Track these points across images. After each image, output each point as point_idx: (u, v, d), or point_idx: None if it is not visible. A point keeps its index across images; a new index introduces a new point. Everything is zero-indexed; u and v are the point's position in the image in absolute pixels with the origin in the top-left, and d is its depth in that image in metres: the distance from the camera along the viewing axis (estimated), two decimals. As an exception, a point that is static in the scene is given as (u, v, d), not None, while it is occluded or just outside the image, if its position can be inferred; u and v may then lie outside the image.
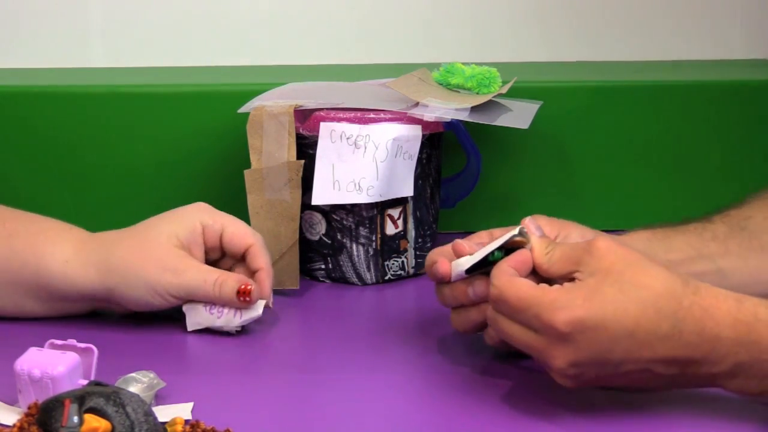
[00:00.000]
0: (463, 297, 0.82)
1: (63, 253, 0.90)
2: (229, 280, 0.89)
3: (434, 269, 0.82)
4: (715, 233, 0.89)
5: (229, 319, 0.90)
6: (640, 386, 0.74)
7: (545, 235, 0.80)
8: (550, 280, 0.76)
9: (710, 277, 0.86)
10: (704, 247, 0.88)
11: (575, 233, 0.84)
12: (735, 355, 0.71)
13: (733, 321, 0.71)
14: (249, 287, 0.89)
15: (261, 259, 0.92)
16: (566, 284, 0.73)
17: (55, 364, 0.74)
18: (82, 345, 0.77)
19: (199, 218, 0.92)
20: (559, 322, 0.71)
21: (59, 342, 0.77)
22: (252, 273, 0.92)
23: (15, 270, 0.90)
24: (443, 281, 0.83)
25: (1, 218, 0.92)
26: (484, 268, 0.79)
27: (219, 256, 0.94)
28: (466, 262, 0.81)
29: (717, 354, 0.71)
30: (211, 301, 0.90)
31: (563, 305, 0.71)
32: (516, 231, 0.78)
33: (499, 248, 0.78)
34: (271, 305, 0.93)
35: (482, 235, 0.84)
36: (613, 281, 0.72)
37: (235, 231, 0.92)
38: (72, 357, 0.75)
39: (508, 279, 0.75)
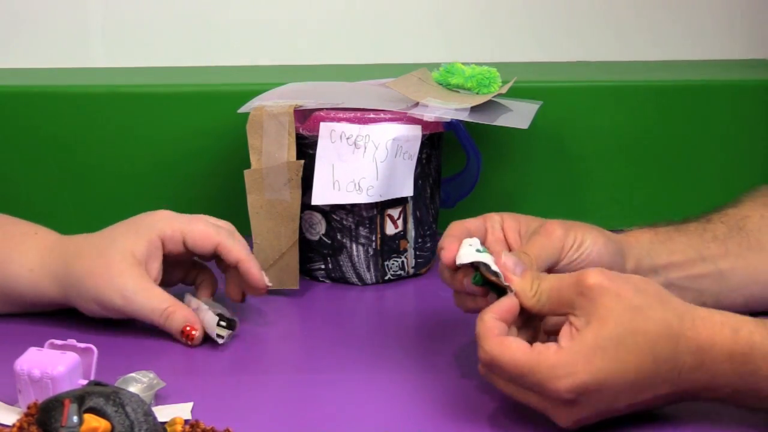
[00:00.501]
0: (459, 286, 0.81)
1: (28, 261, 0.90)
2: (176, 315, 0.88)
3: (441, 255, 0.81)
4: (715, 234, 0.89)
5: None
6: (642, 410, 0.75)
7: (525, 270, 0.77)
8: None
9: (710, 278, 0.87)
10: (705, 249, 0.88)
11: (534, 225, 0.84)
12: (733, 385, 0.71)
13: (729, 354, 0.71)
14: (193, 333, 0.88)
15: (233, 252, 0.91)
16: (563, 344, 0.71)
17: (54, 364, 0.74)
18: (82, 345, 0.77)
19: (158, 230, 0.90)
20: (562, 390, 0.70)
21: (59, 342, 0.77)
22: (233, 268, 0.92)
23: None
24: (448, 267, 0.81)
25: None
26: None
27: (191, 257, 0.94)
28: (464, 257, 0.79)
29: (715, 384, 0.72)
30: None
31: (565, 372, 0.70)
32: (495, 268, 0.76)
33: (482, 274, 0.77)
34: (269, 284, 0.92)
35: (455, 227, 0.83)
36: (610, 333, 0.70)
37: (196, 236, 0.90)
38: (72, 357, 0.75)
39: (498, 342, 0.72)
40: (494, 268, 0.77)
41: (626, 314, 0.71)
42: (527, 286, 0.75)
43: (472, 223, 0.83)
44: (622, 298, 0.71)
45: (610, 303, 0.71)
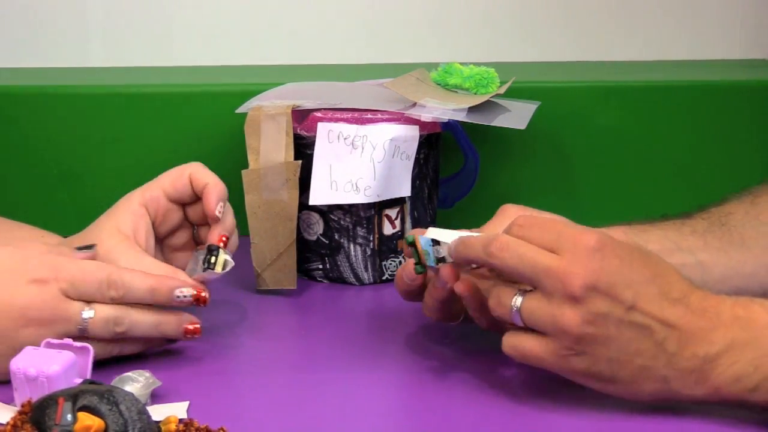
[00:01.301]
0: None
1: None
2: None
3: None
4: (695, 228, 0.89)
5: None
6: (637, 367, 0.73)
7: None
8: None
9: (691, 269, 0.86)
10: (683, 241, 0.88)
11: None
12: (731, 332, 0.72)
13: (732, 302, 0.73)
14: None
15: (204, 177, 0.90)
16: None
17: (50, 362, 0.74)
18: (78, 344, 0.77)
19: (136, 199, 0.90)
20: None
21: (56, 341, 0.77)
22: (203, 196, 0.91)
23: None
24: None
25: None
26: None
27: (180, 213, 0.93)
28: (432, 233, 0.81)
29: (715, 331, 0.72)
30: None
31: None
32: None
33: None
34: (218, 213, 0.90)
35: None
36: (634, 248, 0.74)
37: (172, 177, 0.91)
38: (68, 356, 0.75)
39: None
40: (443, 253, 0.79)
41: (643, 248, 0.75)
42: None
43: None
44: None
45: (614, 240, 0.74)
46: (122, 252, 0.87)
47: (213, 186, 0.90)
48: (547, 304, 0.72)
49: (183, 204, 0.92)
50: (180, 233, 0.94)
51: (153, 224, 0.91)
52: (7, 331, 0.79)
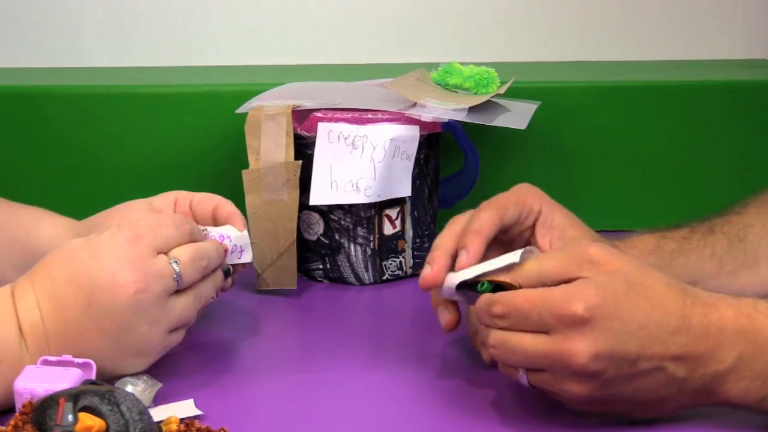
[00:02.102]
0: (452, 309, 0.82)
1: (54, 221, 0.93)
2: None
3: (425, 276, 0.80)
4: (714, 250, 0.90)
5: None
6: (652, 400, 0.73)
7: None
8: None
9: None
10: (699, 269, 0.89)
11: (572, 233, 0.85)
12: (737, 347, 0.71)
13: (735, 313, 0.72)
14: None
15: (225, 210, 0.93)
16: (573, 282, 0.72)
17: (59, 380, 0.72)
18: (79, 360, 0.75)
19: (171, 194, 0.94)
20: (576, 308, 0.70)
21: (53, 359, 0.75)
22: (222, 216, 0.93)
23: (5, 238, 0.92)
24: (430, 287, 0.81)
25: None
26: (471, 290, 0.78)
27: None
28: (459, 276, 0.79)
29: (722, 348, 0.71)
30: None
31: (577, 296, 0.70)
32: (516, 258, 0.76)
33: (489, 280, 0.76)
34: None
35: (458, 221, 0.84)
36: (621, 280, 0.71)
37: (202, 200, 0.93)
38: (75, 372, 0.73)
39: (510, 293, 0.73)
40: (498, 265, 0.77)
41: (638, 271, 0.72)
42: (532, 276, 0.75)
43: (508, 210, 0.84)
44: (632, 261, 0.73)
45: (621, 264, 0.72)
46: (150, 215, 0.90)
47: (238, 216, 0.92)
48: (554, 380, 0.72)
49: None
50: None
51: None
52: (122, 315, 0.77)
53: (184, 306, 0.80)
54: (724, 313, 0.72)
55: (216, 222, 0.92)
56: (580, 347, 0.70)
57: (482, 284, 0.77)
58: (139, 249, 0.77)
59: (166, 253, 0.79)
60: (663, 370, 0.71)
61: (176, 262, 0.79)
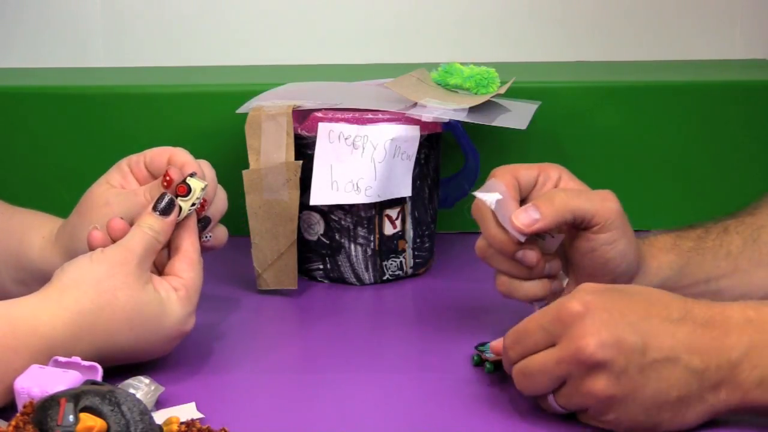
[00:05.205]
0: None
1: (42, 231, 0.93)
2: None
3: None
4: (730, 250, 0.90)
5: None
6: (675, 399, 0.72)
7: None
8: None
9: (704, 297, 0.86)
10: (714, 269, 0.90)
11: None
12: (747, 333, 0.72)
13: (740, 306, 0.73)
14: (168, 177, 0.86)
15: (180, 159, 0.90)
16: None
17: (55, 383, 0.72)
18: (86, 363, 0.75)
19: (123, 162, 0.92)
20: (573, 306, 0.72)
21: (63, 359, 0.76)
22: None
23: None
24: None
25: None
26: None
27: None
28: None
29: (729, 335, 0.72)
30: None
31: (572, 298, 0.73)
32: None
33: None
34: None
35: (505, 176, 0.87)
36: (616, 288, 0.75)
37: (156, 153, 0.91)
38: (73, 375, 0.74)
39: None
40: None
41: (627, 287, 0.76)
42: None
43: (524, 173, 0.88)
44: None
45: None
46: (116, 194, 0.89)
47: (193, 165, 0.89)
48: (575, 388, 0.73)
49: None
50: None
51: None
52: None
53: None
54: (728, 306, 0.73)
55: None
56: (585, 339, 0.71)
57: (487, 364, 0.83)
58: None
59: None
60: (677, 362, 0.71)
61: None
